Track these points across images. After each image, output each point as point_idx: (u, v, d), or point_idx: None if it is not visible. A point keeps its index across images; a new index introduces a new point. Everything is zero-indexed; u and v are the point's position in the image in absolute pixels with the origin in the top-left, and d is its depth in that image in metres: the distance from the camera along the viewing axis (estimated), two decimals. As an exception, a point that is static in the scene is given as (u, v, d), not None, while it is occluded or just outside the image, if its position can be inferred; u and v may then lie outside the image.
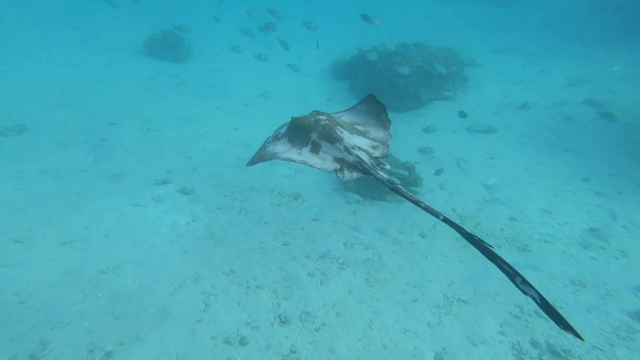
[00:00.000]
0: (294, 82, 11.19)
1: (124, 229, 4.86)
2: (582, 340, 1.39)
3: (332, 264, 4.72)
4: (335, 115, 2.80)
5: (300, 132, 2.42)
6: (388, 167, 2.24)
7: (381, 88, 9.14)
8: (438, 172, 6.04)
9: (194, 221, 5.32)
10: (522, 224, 5.37)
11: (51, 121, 7.24)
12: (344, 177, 2.14)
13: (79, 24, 12.69)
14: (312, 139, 2.34)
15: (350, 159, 2.21)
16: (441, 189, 6.12)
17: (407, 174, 5.73)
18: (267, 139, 2.63)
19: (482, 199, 5.97)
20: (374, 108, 2.82)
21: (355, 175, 2.16)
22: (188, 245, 4.84)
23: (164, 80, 9.99)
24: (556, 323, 1.36)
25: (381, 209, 5.77)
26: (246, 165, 2.54)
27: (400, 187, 1.97)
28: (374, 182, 5.91)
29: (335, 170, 2.17)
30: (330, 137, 2.31)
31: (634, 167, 6.60)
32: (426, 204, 1.83)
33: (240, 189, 6.15)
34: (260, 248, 4.96)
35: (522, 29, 16.96)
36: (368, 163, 2.18)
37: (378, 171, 2.13)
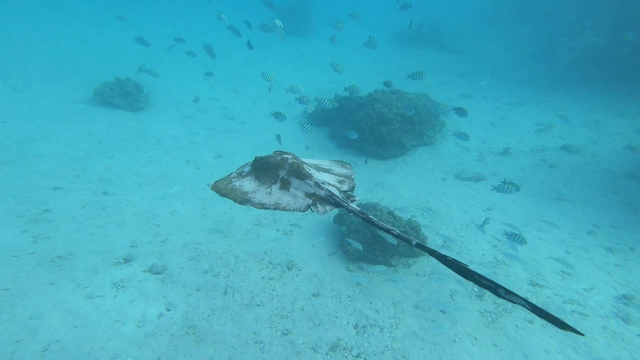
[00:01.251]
0: (266, 127, 10.89)
1: (73, 336, 3.84)
2: (583, 335, 1.37)
3: (346, 357, 4.04)
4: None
5: (267, 170, 2.47)
6: (358, 199, 2.36)
7: (363, 135, 9.11)
8: (444, 240, 5.79)
9: (168, 311, 4.43)
10: (546, 290, 5.16)
11: (-26, 189, 6.05)
12: (318, 212, 2.21)
13: (12, 71, 11.58)
14: (280, 176, 2.41)
15: (322, 193, 2.30)
16: (445, 247, 5.83)
17: (414, 243, 5.39)
18: (230, 174, 2.59)
19: (493, 258, 5.75)
20: (339, 164, 2.96)
21: (328, 208, 2.25)
22: (162, 348, 3.93)
23: (119, 132, 9.14)
24: (554, 325, 1.35)
25: (387, 275, 5.28)
26: (211, 189, 2.45)
27: (371, 217, 2.08)
28: (372, 243, 5.48)
29: (309, 206, 2.25)
30: (300, 174, 2.40)
31: (634, 219, 6.91)
32: (397, 231, 1.97)
33: (223, 261, 5.37)
34: (256, 342, 4.17)
35: (478, 75, 18.68)
36: (339, 196, 2.28)
37: (349, 204, 2.23)
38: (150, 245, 5.49)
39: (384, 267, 5.03)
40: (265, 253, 5.65)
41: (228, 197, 2.32)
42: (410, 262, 5.39)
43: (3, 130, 8.08)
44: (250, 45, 9.72)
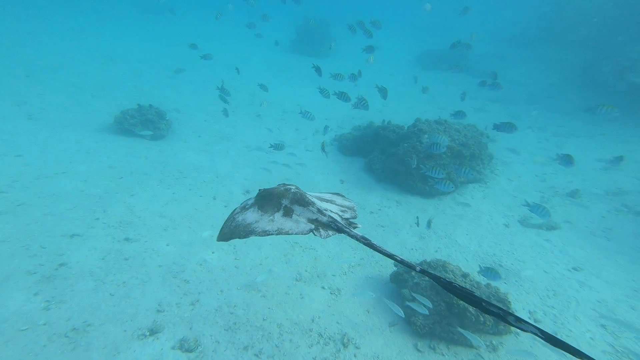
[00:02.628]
0: (297, 158, 10.38)
1: None
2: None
3: None
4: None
5: (271, 199, 2.55)
6: (360, 226, 2.44)
7: (407, 169, 8.46)
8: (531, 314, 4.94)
9: (203, 406, 3.71)
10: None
11: (-16, 234, 5.59)
12: (320, 236, 2.29)
13: (27, 98, 11.52)
14: (283, 205, 2.49)
15: (324, 219, 2.38)
16: (536, 322, 4.97)
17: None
18: (235, 210, 2.71)
19: (609, 346, 4.81)
20: (340, 197, 3.03)
21: (330, 233, 2.33)
22: None
23: (140, 165, 8.74)
24: (568, 352, 1.32)
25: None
26: (217, 241, 2.55)
27: (372, 242, 2.12)
28: (447, 316, 4.70)
29: (311, 230, 2.34)
30: (303, 202, 2.49)
31: None
32: (401, 257, 2.01)
33: (264, 333, 4.66)
34: None
35: (513, 102, 18.05)
36: (341, 222, 2.38)
37: (351, 230, 2.32)
38: (179, 310, 4.84)
39: (461, 349, 4.24)
40: (312, 321, 4.93)
41: (234, 238, 2.41)
42: (495, 342, 4.56)
43: (18, 165, 7.74)
44: (318, 72, 9.52)
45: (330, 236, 2.31)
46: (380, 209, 8.09)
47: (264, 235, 2.34)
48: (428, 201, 8.45)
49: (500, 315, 1.45)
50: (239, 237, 2.38)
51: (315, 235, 2.30)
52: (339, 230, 2.32)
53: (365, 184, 9.27)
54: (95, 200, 6.98)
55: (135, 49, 20.37)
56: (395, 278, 5.38)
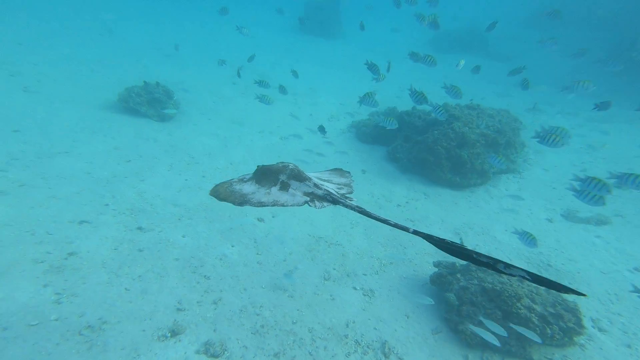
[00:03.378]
0: (313, 145, 9.90)
1: None
2: (585, 295, 1.45)
3: None
4: None
5: (269, 175, 2.63)
6: (354, 200, 2.47)
7: (436, 159, 8.00)
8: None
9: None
10: None
11: (-16, 219, 5.19)
12: (315, 207, 2.39)
13: (21, 68, 10.93)
14: (281, 180, 2.58)
15: (320, 192, 2.49)
16: (602, 332, 4.59)
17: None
18: (232, 179, 2.76)
19: None
20: (339, 173, 3.11)
21: (325, 204, 2.43)
22: None
23: (149, 148, 8.28)
24: (554, 289, 1.40)
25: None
26: (209, 194, 2.58)
27: (366, 210, 2.21)
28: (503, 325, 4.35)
29: (306, 202, 2.43)
30: (299, 177, 2.59)
31: None
32: (394, 221, 2.09)
33: (295, 338, 4.31)
34: None
35: (538, 85, 17.34)
36: (336, 194, 2.49)
37: (346, 201, 2.42)
38: (201, 309, 4.48)
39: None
40: (347, 326, 4.57)
41: (227, 201, 2.46)
42: (557, 357, 4.20)
43: (17, 141, 7.29)
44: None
45: (325, 207, 2.41)
46: (407, 202, 7.67)
47: (259, 206, 2.42)
48: (459, 193, 8.02)
49: (490, 265, 1.55)
50: (233, 203, 2.44)
51: (310, 206, 2.39)
52: (334, 201, 2.42)
53: (389, 174, 8.83)
54: (103, 185, 6.56)
55: (133, 22, 19.58)
56: (437, 280, 5.00)
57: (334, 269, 5.57)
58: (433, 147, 8.08)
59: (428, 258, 5.92)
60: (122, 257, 5.01)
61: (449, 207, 7.48)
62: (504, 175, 8.57)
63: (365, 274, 5.53)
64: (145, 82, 9.81)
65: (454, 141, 7.91)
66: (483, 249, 6.20)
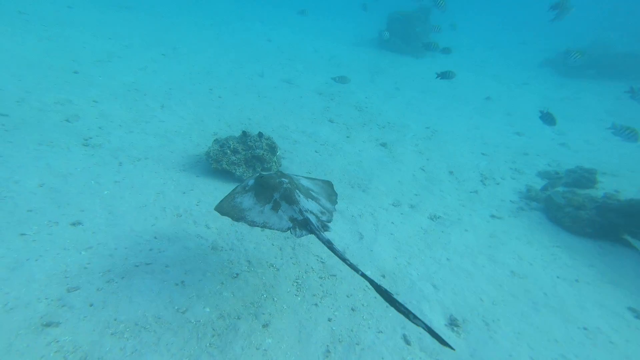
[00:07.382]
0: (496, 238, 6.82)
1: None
2: (453, 349, 1.98)
3: None
4: (295, 177, 3.74)
5: (266, 189, 3.29)
6: (331, 230, 3.24)
7: None
8: None
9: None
10: None
11: None
12: (295, 235, 2.98)
13: (78, 109, 8.74)
14: (274, 198, 3.22)
15: (300, 218, 3.08)
16: None
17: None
18: (236, 187, 3.47)
19: None
20: (328, 189, 3.83)
21: (305, 233, 2.99)
22: None
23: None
24: (438, 341, 1.92)
25: None
26: (214, 209, 3.24)
27: (333, 245, 2.76)
28: None
29: (289, 229, 3.01)
30: (289, 199, 3.22)
31: None
32: (350, 261, 2.61)
33: None
34: None
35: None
36: (315, 225, 3.04)
37: (322, 232, 2.96)
38: None
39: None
40: None
41: (227, 216, 3.14)
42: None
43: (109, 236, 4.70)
44: None
45: (304, 236, 2.98)
46: None
47: (252, 226, 3.07)
48: None
49: (404, 313, 2.22)
50: (232, 219, 3.10)
51: (291, 234, 3.01)
52: (311, 231, 2.97)
53: None
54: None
55: (194, 33, 17.67)
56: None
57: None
58: None
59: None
60: None
61: None
62: None
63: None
64: (244, 132, 7.20)
65: None
66: None
